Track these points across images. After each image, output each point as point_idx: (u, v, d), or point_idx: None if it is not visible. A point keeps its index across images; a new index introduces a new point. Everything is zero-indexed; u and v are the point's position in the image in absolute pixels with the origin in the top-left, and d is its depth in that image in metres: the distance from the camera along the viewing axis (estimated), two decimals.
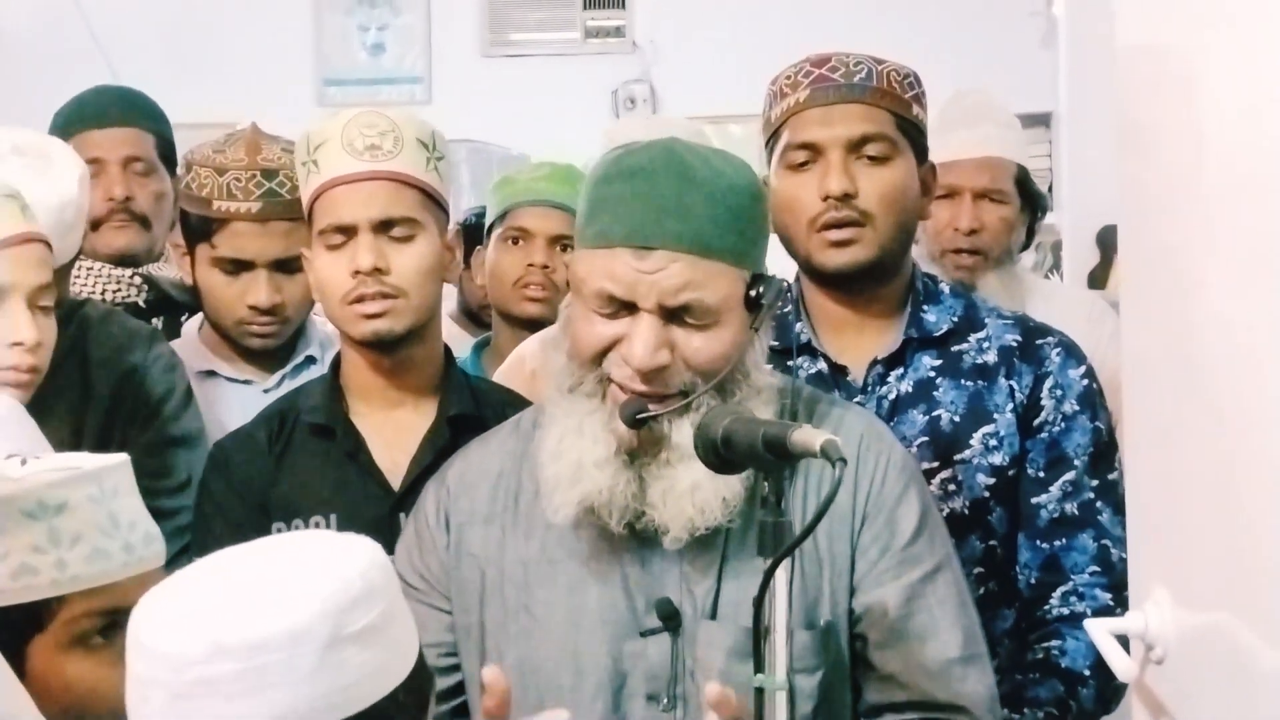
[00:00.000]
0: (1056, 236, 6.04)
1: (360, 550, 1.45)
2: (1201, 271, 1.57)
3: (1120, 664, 1.73)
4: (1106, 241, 5.76)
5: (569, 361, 1.91)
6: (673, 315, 1.84)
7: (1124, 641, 1.76)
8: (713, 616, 1.90)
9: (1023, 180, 3.34)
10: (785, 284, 1.91)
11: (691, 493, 1.83)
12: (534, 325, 3.12)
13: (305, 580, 1.39)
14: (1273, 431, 1.40)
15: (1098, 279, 5.80)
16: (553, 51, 7.01)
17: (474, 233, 3.68)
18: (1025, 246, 3.47)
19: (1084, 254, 5.95)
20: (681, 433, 1.84)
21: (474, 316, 3.84)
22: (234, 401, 2.71)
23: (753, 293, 1.87)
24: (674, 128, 3.05)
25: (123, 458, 1.73)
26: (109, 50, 6.14)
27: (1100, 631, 1.75)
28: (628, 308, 1.85)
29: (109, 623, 1.65)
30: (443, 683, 1.97)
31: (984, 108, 3.32)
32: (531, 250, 3.20)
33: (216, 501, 2.33)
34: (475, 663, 1.97)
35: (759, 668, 1.64)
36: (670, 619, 1.89)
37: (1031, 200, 3.37)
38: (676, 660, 1.90)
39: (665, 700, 1.90)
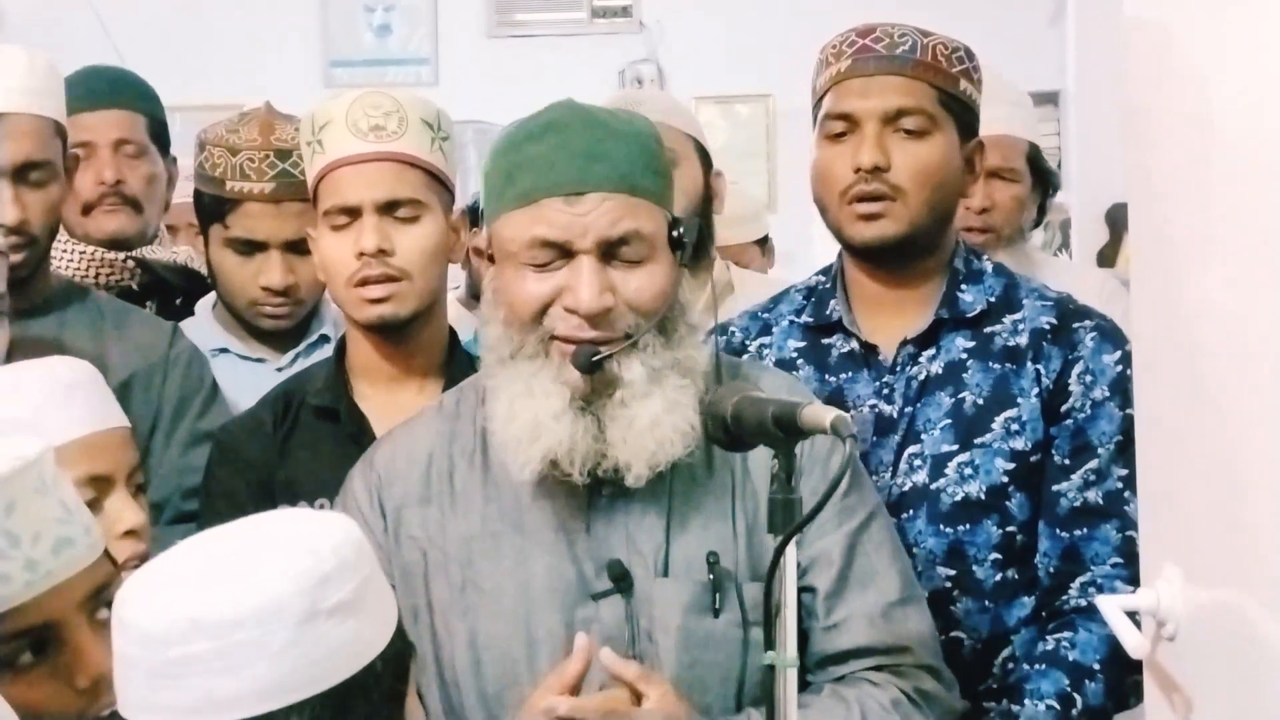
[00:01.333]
0: (1065, 215, 6.02)
1: (335, 526, 1.47)
2: (1209, 250, 1.57)
3: (1132, 640, 1.73)
4: (1115, 220, 5.75)
5: (505, 329, 1.92)
6: (609, 255, 1.88)
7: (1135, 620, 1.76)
8: (665, 574, 1.92)
9: (1034, 158, 3.33)
10: (696, 219, 1.96)
11: (652, 428, 1.86)
12: None
13: (279, 557, 1.41)
14: None
15: (1107, 257, 5.80)
16: (559, 32, 6.99)
17: (473, 215, 3.68)
18: (1036, 224, 3.46)
19: (1093, 232, 5.94)
20: (633, 370, 1.87)
21: (481, 298, 3.83)
22: (247, 380, 2.71)
23: (675, 233, 1.92)
24: (644, 100, 3.07)
25: (28, 457, 1.59)
26: (114, 31, 6.13)
27: (1112, 608, 1.75)
28: (564, 255, 1.87)
29: (34, 642, 1.59)
30: None
31: (995, 85, 3.30)
32: None
33: (221, 484, 2.34)
34: (426, 644, 1.99)
35: (769, 645, 1.64)
36: (621, 579, 1.91)
37: (1042, 178, 3.36)
38: (631, 621, 1.91)
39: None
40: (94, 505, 2.02)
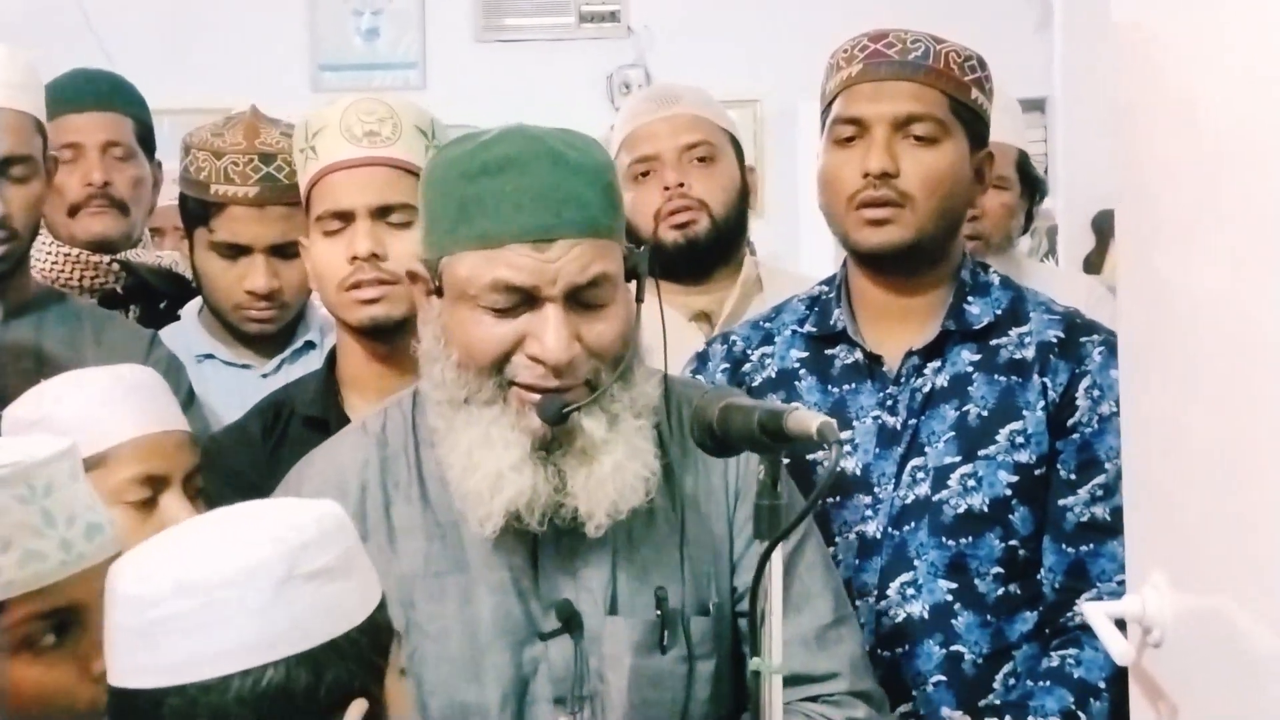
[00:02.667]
0: (1052, 221, 6.03)
1: (319, 505, 1.52)
2: (1198, 252, 1.57)
3: (1118, 647, 1.73)
4: (1102, 226, 5.76)
5: (460, 372, 1.85)
6: (574, 301, 1.82)
7: (1121, 626, 1.76)
8: (613, 612, 1.89)
9: (1023, 165, 3.32)
10: (645, 248, 1.92)
11: (614, 475, 1.83)
12: None
13: (262, 525, 1.47)
14: (1270, 414, 1.40)
15: (1093, 264, 5.80)
16: (547, 36, 6.99)
17: None
18: (1024, 231, 3.45)
19: (1079, 239, 5.95)
20: (594, 419, 1.83)
21: None
22: (232, 385, 2.70)
23: (629, 265, 1.88)
24: (683, 94, 3.04)
25: (62, 447, 1.67)
26: (103, 34, 6.12)
27: (1098, 615, 1.75)
28: (527, 301, 1.81)
29: (58, 623, 1.63)
30: None
31: None
32: None
33: (210, 495, 2.32)
34: (409, 681, 1.95)
35: (755, 651, 1.64)
36: (570, 619, 1.88)
37: (1031, 185, 3.35)
38: (580, 660, 1.88)
39: (572, 702, 1.88)
40: (149, 504, 2.12)
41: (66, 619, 1.63)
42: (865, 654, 2.03)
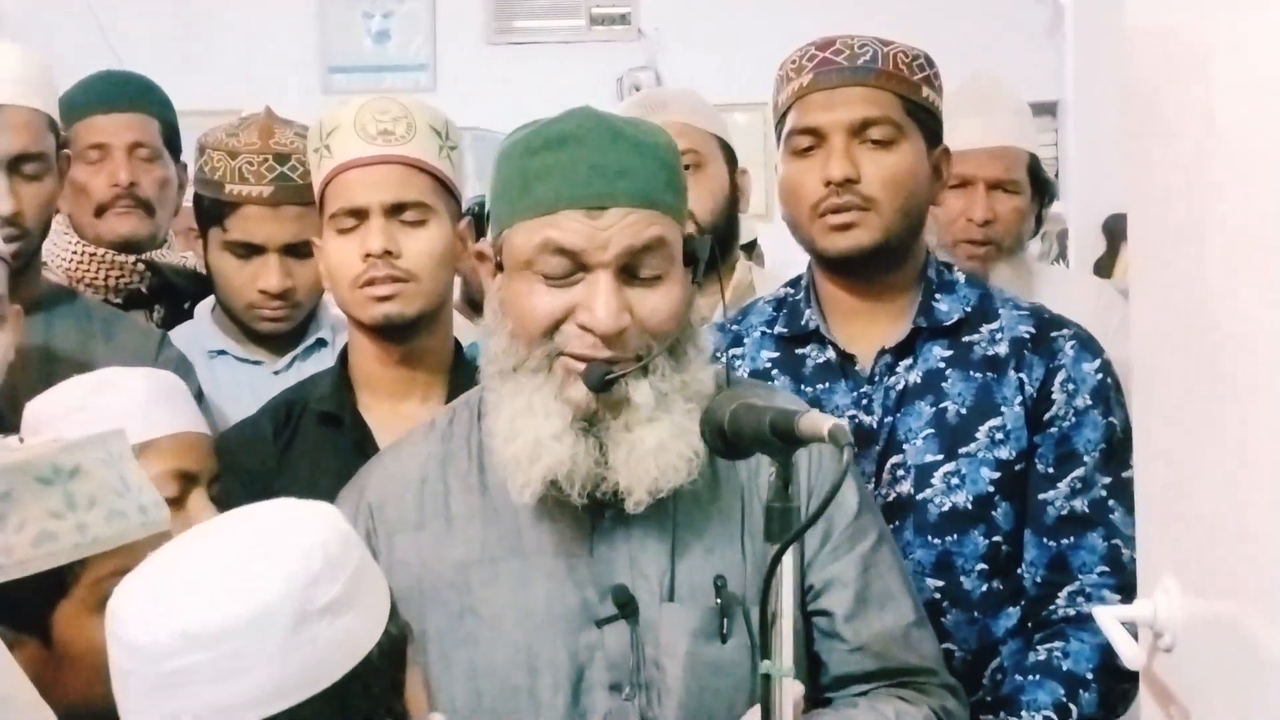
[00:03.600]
0: (1062, 225, 6.03)
1: (319, 520, 1.48)
2: (1211, 256, 1.57)
3: (1128, 652, 1.72)
4: (1113, 230, 5.75)
5: (511, 341, 1.87)
6: (626, 272, 1.83)
7: (1132, 631, 1.76)
8: (670, 598, 1.89)
9: (1034, 168, 3.32)
10: (708, 237, 1.92)
11: (656, 453, 1.82)
12: None
13: (267, 560, 1.42)
14: None
15: (1104, 268, 5.80)
16: (558, 39, 7.00)
17: (476, 222, 3.68)
18: (1034, 234, 3.45)
19: (1090, 243, 5.94)
20: (641, 393, 1.82)
21: (476, 305, 3.83)
22: (244, 382, 2.71)
23: (688, 250, 1.88)
24: (669, 101, 3.05)
25: (121, 424, 1.76)
26: (113, 36, 6.13)
27: (1108, 619, 1.74)
28: (579, 269, 1.82)
29: None
30: None
31: (996, 94, 3.30)
32: None
33: (220, 494, 2.32)
34: (418, 669, 1.96)
35: (765, 654, 1.63)
36: (626, 605, 1.87)
37: (1041, 188, 3.35)
38: (636, 647, 1.88)
39: (628, 689, 1.88)
40: (178, 502, 2.17)
41: None
42: (942, 656, 2.05)
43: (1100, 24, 5.25)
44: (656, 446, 1.82)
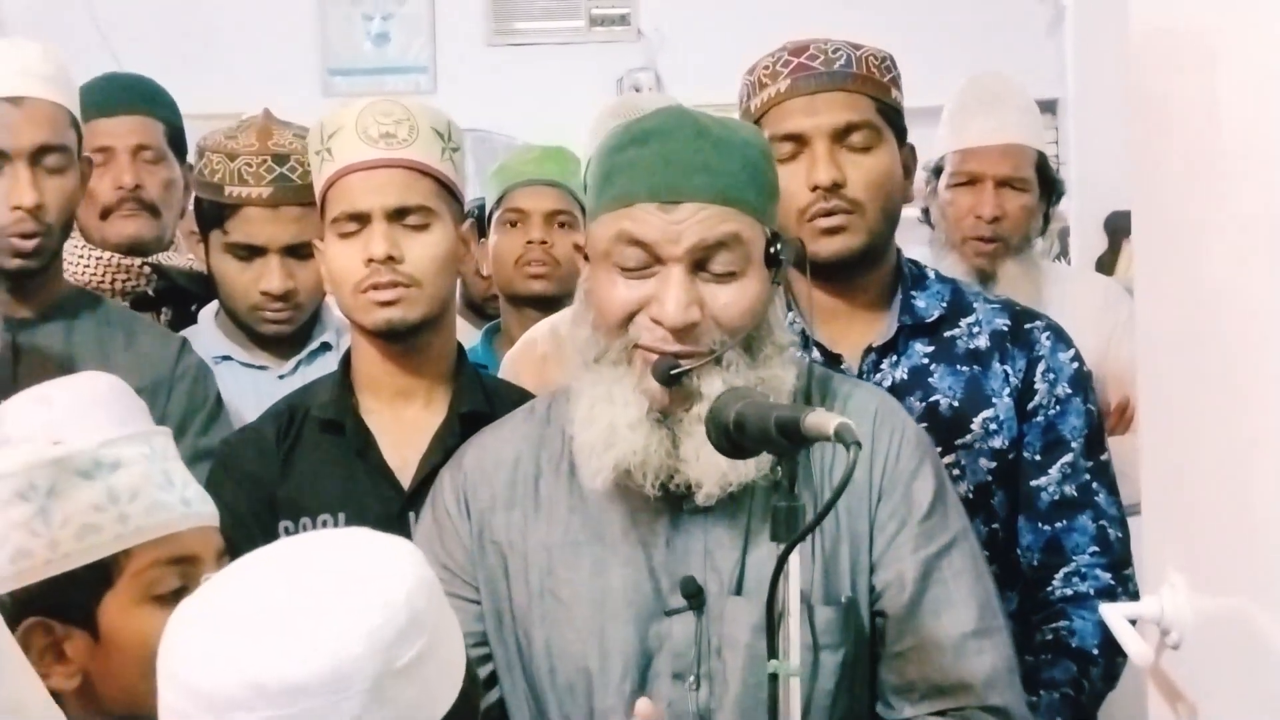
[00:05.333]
0: (1064, 223, 6.01)
1: (405, 565, 1.36)
2: (1216, 253, 1.57)
3: (1136, 649, 1.72)
4: (1115, 228, 5.75)
5: (594, 332, 1.91)
6: (700, 268, 1.85)
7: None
8: (738, 592, 1.90)
9: (1041, 166, 3.33)
10: (800, 242, 1.94)
11: None
12: (539, 302, 3.16)
13: (348, 610, 1.30)
14: None
15: (1106, 265, 5.79)
16: (558, 40, 6.98)
17: (479, 224, 3.69)
18: (1041, 232, 3.46)
19: (1092, 240, 5.93)
20: (712, 387, 1.84)
21: (477, 309, 3.84)
22: (248, 387, 2.71)
23: (772, 249, 1.89)
24: (646, 109, 3.05)
25: (165, 429, 1.80)
26: (113, 39, 6.12)
27: (1115, 616, 1.74)
28: (654, 262, 1.85)
29: (179, 578, 1.70)
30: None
31: (1003, 92, 3.31)
32: (529, 228, 3.25)
33: (223, 500, 2.28)
34: (511, 647, 1.99)
35: (773, 653, 1.63)
36: (694, 597, 1.90)
37: (1049, 186, 3.36)
38: (701, 638, 1.90)
39: (692, 679, 1.90)
40: None
41: (185, 571, 1.70)
42: (1011, 668, 1.99)
43: (1101, 22, 5.24)
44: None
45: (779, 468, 1.66)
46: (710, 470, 1.85)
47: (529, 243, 3.23)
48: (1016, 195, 3.26)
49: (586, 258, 1.95)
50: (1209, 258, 1.59)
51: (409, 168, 2.26)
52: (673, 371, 1.84)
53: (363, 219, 2.25)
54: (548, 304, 3.16)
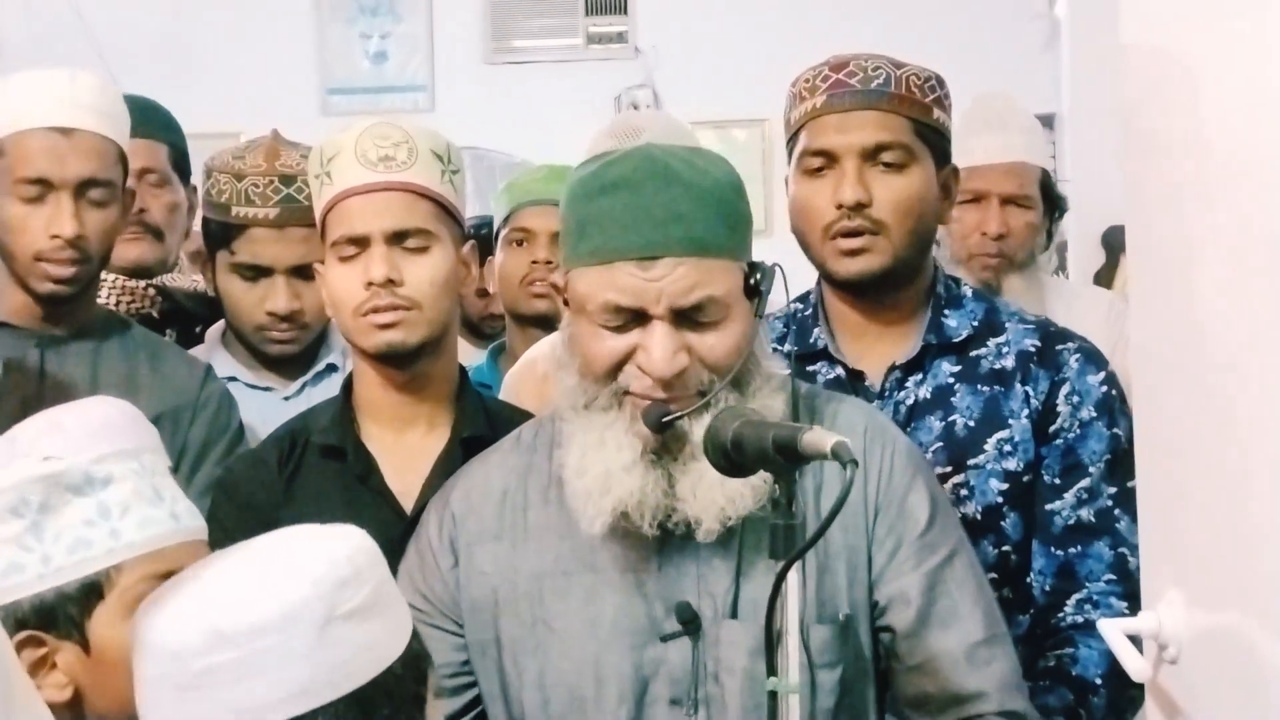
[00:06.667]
0: (1062, 238, 6.03)
1: (346, 536, 1.52)
2: (1210, 269, 1.57)
3: (1134, 664, 1.73)
4: (1111, 242, 5.76)
5: (580, 379, 1.91)
6: (684, 318, 1.85)
7: (1137, 643, 1.76)
8: (733, 616, 1.90)
9: (1045, 183, 3.36)
10: (776, 267, 1.92)
11: (721, 483, 1.83)
12: (544, 322, 3.15)
13: (294, 562, 1.46)
14: None
15: (1103, 280, 5.80)
16: (555, 58, 7.00)
17: (480, 244, 3.69)
18: (1045, 248, 3.49)
19: (1089, 255, 5.95)
20: (704, 429, 1.82)
21: (475, 329, 3.84)
22: (254, 408, 2.71)
23: (751, 281, 1.89)
24: (644, 127, 3.05)
25: (155, 445, 1.80)
26: (111, 60, 6.13)
27: (1114, 631, 1.75)
28: (637, 318, 1.85)
29: None
30: (451, 705, 1.99)
31: (1009, 111, 3.34)
32: (535, 248, 3.23)
33: (225, 525, 2.25)
34: (494, 681, 1.99)
35: (771, 671, 1.64)
36: (689, 622, 1.89)
37: (1052, 203, 3.39)
38: (698, 663, 1.90)
39: (688, 704, 1.90)
40: None
41: None
42: (1018, 673, 2.01)
43: (1096, 37, 5.26)
44: (721, 477, 1.82)
45: (777, 485, 1.67)
46: (709, 507, 1.85)
47: (534, 262, 3.22)
48: (1021, 212, 3.29)
49: (566, 303, 1.94)
50: (1202, 272, 1.60)
51: (408, 190, 2.25)
52: (664, 419, 1.84)
53: (362, 242, 2.24)
54: (552, 324, 3.17)
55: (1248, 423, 1.48)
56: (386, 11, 7.05)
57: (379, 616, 1.48)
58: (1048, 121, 6.03)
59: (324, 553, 1.48)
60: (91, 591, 1.67)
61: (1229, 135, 1.50)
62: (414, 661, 1.51)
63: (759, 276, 1.89)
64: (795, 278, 2.47)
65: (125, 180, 2.56)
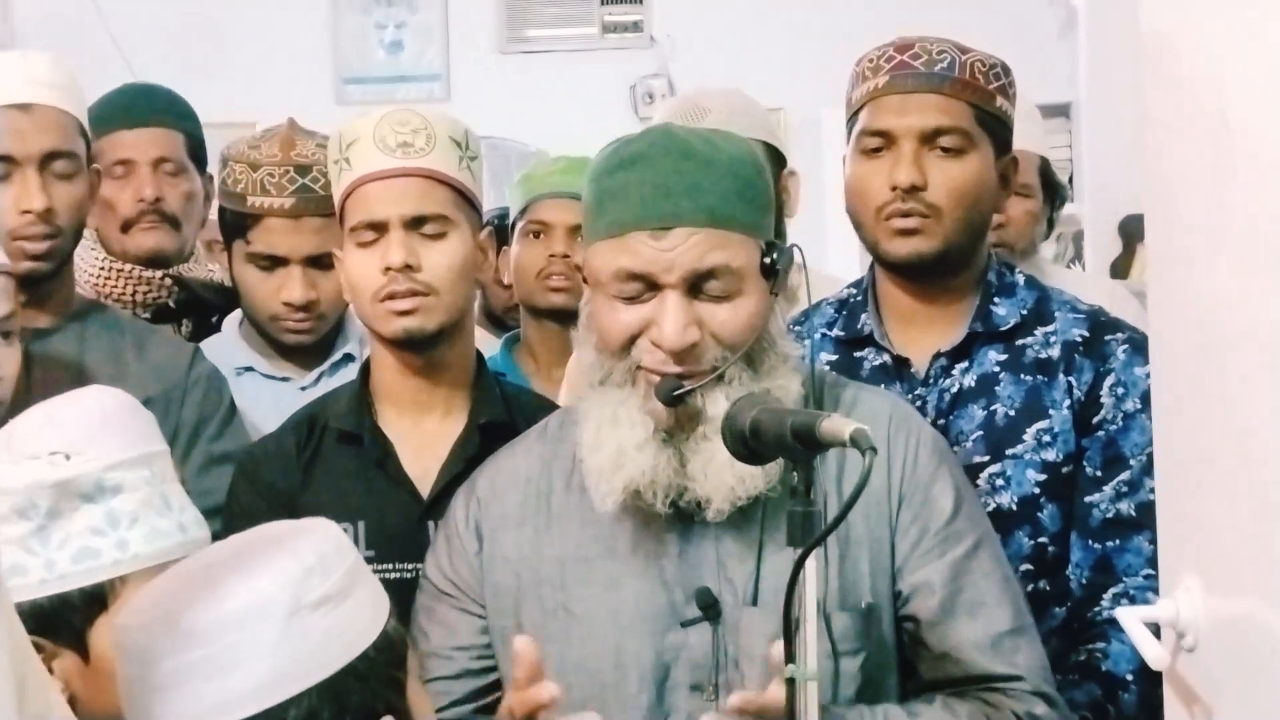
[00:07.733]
0: (1078, 227, 6.02)
1: (312, 528, 1.54)
2: (1229, 257, 1.57)
3: (1151, 652, 1.73)
4: (1128, 231, 5.74)
5: (597, 355, 1.92)
6: (696, 289, 1.86)
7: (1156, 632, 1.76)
8: (754, 603, 1.90)
9: (1044, 171, 3.34)
10: (795, 247, 1.92)
11: (731, 463, 1.83)
12: (559, 315, 3.15)
13: (259, 559, 1.47)
14: None
15: (1120, 269, 5.78)
16: (570, 47, 6.99)
17: (498, 233, 3.69)
18: (1045, 237, 3.47)
19: (1106, 244, 5.92)
20: (716, 405, 1.85)
21: (497, 320, 3.84)
22: (270, 398, 2.72)
23: (768, 260, 1.89)
24: (710, 108, 3.02)
25: (163, 448, 1.80)
26: (127, 51, 6.14)
27: (1132, 620, 1.75)
28: (650, 289, 1.86)
29: None
30: (475, 684, 2.02)
31: None
32: (552, 241, 3.22)
33: (244, 510, 2.31)
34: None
35: (790, 658, 1.64)
36: (710, 608, 1.90)
37: (1052, 191, 3.37)
38: (718, 649, 1.90)
39: (709, 690, 1.90)
40: None
41: None
42: (1046, 665, 2.00)
43: (1113, 25, 5.24)
44: (731, 457, 1.82)
45: (795, 473, 1.66)
46: (719, 486, 1.86)
47: (551, 256, 3.22)
48: (1020, 200, 3.27)
49: (586, 280, 1.96)
50: (1222, 260, 1.59)
51: (426, 176, 2.26)
52: (676, 393, 1.85)
53: (380, 228, 2.25)
54: (568, 317, 3.16)
55: (1267, 410, 1.48)
56: (401, 1, 7.04)
57: (350, 602, 1.48)
58: (1064, 110, 6.02)
59: (288, 545, 1.48)
60: (95, 601, 1.68)
61: (1250, 123, 1.50)
62: (390, 646, 1.51)
63: (775, 255, 1.89)
64: (823, 262, 2.46)
65: (89, 155, 2.57)
